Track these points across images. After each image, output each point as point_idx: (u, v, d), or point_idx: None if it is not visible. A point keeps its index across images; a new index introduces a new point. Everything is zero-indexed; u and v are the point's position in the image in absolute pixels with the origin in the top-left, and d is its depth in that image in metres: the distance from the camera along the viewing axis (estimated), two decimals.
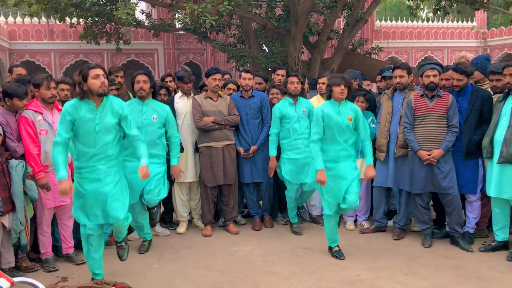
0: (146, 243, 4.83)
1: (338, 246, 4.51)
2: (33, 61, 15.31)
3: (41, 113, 4.21)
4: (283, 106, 5.19)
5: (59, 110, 4.41)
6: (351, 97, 5.39)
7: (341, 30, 11.85)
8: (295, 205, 5.32)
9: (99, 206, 3.61)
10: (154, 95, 4.88)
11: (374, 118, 5.30)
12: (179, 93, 5.50)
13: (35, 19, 15.00)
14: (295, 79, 5.13)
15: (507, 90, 4.33)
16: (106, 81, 3.55)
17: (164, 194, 4.68)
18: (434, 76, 4.53)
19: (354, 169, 4.38)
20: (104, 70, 3.59)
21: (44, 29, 15.35)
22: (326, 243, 4.67)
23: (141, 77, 4.70)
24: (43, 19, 15.09)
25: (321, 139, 4.30)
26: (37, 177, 4.08)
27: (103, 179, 3.60)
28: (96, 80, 3.49)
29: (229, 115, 5.33)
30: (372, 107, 5.38)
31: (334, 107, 4.32)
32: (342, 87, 4.22)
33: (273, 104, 5.62)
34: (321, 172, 4.24)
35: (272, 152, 5.24)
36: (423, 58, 17.94)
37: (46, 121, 4.22)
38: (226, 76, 6.16)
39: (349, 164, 4.35)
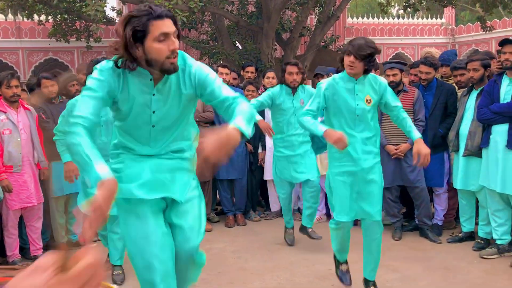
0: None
1: (347, 263, 3.55)
2: (0, 60, 14.89)
3: (5, 112, 4.10)
4: (278, 93, 4.40)
5: (26, 108, 4.31)
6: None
7: (313, 27, 11.93)
8: (290, 207, 4.71)
9: None
10: None
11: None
12: None
13: (1, 16, 14.59)
14: (294, 69, 4.34)
15: (471, 84, 4.44)
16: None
17: None
18: (394, 75, 4.62)
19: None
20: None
21: (11, 26, 14.94)
22: (298, 237, 4.70)
23: None
24: (10, 16, 14.70)
25: (313, 116, 3.13)
26: None
27: None
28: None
29: (203, 111, 5.30)
30: None
31: (348, 83, 3.12)
32: (352, 58, 2.97)
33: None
34: (330, 132, 2.94)
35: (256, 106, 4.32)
36: (394, 54, 18.22)
37: (10, 120, 4.11)
38: None
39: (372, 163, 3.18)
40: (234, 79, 5.97)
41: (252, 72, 6.07)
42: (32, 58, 15.26)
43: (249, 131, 1.85)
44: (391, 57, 18.08)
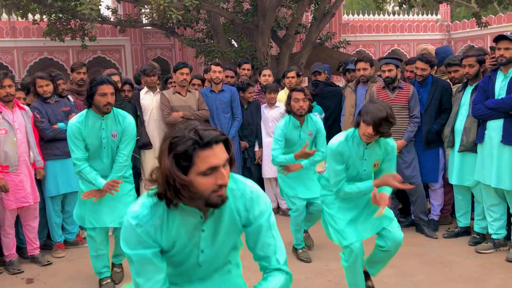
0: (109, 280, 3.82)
1: None
2: None
3: (0, 112, 4.08)
4: (287, 129, 4.10)
5: (21, 108, 4.29)
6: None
7: (309, 24, 11.94)
8: (301, 227, 4.29)
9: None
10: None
11: (318, 114, 5.09)
12: (145, 89, 5.45)
13: None
14: (300, 95, 3.98)
15: (465, 80, 4.46)
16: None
17: None
18: (389, 71, 4.63)
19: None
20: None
21: (5, 26, 14.88)
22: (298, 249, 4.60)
23: (108, 89, 3.50)
24: (4, 15, 14.63)
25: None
26: None
27: None
28: None
29: (198, 110, 5.30)
30: (338, 100, 5.46)
31: (359, 148, 3.00)
32: (371, 130, 2.83)
33: (247, 102, 5.60)
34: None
35: (288, 159, 4.06)
36: (389, 51, 18.24)
37: (6, 120, 4.10)
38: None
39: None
40: (232, 77, 5.97)
41: (248, 70, 6.08)
42: (27, 57, 15.20)
43: None
44: (386, 54, 18.11)
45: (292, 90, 4.16)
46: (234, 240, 1.79)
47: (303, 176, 4.15)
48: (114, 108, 3.63)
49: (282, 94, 5.60)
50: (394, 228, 3.10)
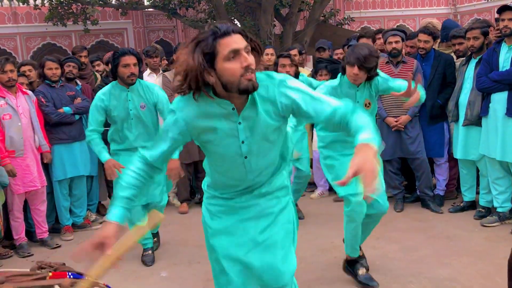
0: (149, 251, 3.94)
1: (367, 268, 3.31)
2: None
3: (4, 97, 4.11)
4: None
5: (24, 93, 4.31)
6: (313, 72, 5.37)
7: (312, 1, 11.78)
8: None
9: None
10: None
11: None
12: (148, 70, 5.43)
13: None
14: (286, 61, 4.28)
15: (469, 53, 4.40)
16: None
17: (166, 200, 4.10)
18: (396, 42, 4.57)
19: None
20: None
21: (7, 12, 14.84)
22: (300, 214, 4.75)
23: (130, 59, 3.56)
24: (5, 1, 14.57)
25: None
26: (1, 163, 4.00)
27: None
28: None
29: None
30: None
31: (350, 90, 3.07)
32: (356, 70, 2.90)
33: None
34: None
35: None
36: (395, 27, 17.99)
37: (10, 105, 4.12)
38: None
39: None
40: None
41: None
42: (30, 43, 15.19)
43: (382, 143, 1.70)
44: None
45: (279, 56, 4.36)
46: (276, 134, 1.85)
47: None
48: (140, 80, 3.71)
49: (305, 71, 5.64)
50: (382, 198, 3.10)
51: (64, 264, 1.54)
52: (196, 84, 1.66)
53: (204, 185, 2.10)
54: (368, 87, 3.07)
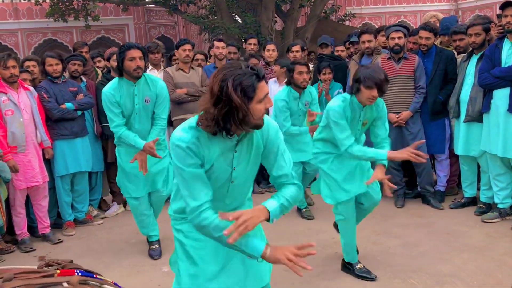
0: (156, 245, 4.00)
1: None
2: None
3: (6, 93, 4.11)
4: (289, 99, 4.40)
5: (26, 89, 4.32)
6: (316, 69, 5.38)
7: None
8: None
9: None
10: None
11: (341, 90, 5.25)
12: (149, 66, 5.43)
13: None
14: (304, 69, 4.32)
15: (471, 49, 4.40)
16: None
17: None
18: (399, 38, 4.56)
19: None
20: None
21: (8, 8, 14.81)
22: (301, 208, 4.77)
23: (136, 53, 3.59)
24: None
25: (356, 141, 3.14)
26: (3, 159, 4.01)
27: None
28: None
29: (202, 87, 5.29)
30: (343, 74, 5.41)
31: (357, 111, 3.13)
32: (375, 92, 2.96)
33: None
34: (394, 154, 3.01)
35: (301, 130, 4.42)
36: (397, 23, 17.93)
37: (12, 101, 4.13)
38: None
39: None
40: (234, 53, 5.93)
41: (254, 44, 6.05)
42: (31, 39, 15.17)
43: (274, 220, 1.87)
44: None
45: (296, 63, 4.38)
46: (259, 162, 2.04)
47: (298, 140, 4.47)
48: (145, 74, 3.72)
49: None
50: (375, 190, 3.29)
51: (72, 261, 1.53)
52: (225, 119, 1.76)
53: (172, 211, 2.10)
54: (371, 108, 3.15)
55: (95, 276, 1.43)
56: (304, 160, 4.51)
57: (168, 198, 3.23)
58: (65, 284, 1.26)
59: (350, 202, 3.24)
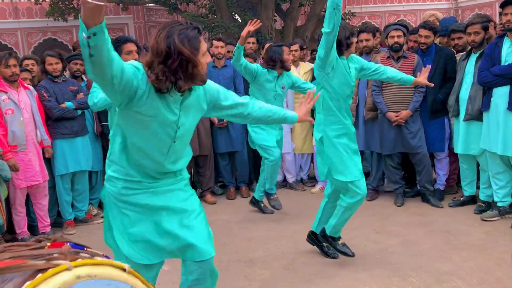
0: None
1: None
2: None
3: (6, 92, 4.12)
4: (264, 72, 4.50)
5: (26, 88, 4.33)
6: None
7: None
8: (276, 174, 4.71)
9: None
10: None
11: None
12: None
13: None
14: (287, 50, 4.59)
15: (469, 48, 4.40)
16: None
17: None
18: (398, 36, 4.57)
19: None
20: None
21: (8, 7, 14.81)
22: (301, 207, 4.78)
23: (132, 46, 3.59)
24: None
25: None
26: (4, 158, 4.01)
27: None
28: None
29: None
30: None
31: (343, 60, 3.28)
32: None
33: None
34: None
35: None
36: (396, 22, 17.92)
37: (12, 100, 4.13)
38: None
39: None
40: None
41: (253, 43, 6.03)
42: (31, 38, 15.17)
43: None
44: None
45: (282, 45, 4.65)
46: (198, 120, 2.13)
47: (272, 127, 4.53)
48: None
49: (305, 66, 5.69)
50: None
51: (62, 236, 1.54)
52: (177, 72, 1.81)
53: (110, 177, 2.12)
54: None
55: (85, 249, 1.44)
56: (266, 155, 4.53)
57: None
58: (55, 255, 1.27)
59: (363, 181, 3.33)
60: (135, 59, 3.56)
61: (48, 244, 1.38)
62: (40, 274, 1.17)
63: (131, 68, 1.83)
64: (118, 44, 3.57)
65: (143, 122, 1.93)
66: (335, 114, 3.27)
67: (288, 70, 4.60)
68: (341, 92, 3.23)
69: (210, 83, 2.11)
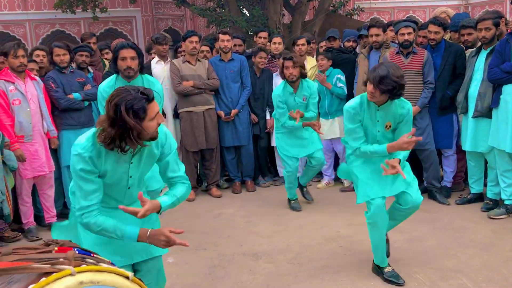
0: None
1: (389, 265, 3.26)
2: (7, 33, 14.85)
3: (13, 83, 4.13)
4: (283, 94, 4.51)
5: (32, 79, 4.34)
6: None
7: None
8: (294, 185, 4.73)
9: None
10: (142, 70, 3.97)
11: (341, 76, 5.29)
12: (156, 58, 5.43)
13: None
14: (290, 63, 4.37)
15: (479, 44, 4.35)
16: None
17: None
18: (409, 34, 4.54)
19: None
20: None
21: None
22: (306, 202, 4.77)
23: (127, 53, 3.61)
24: None
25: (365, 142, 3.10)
26: (11, 148, 4.03)
27: None
28: None
29: (208, 79, 5.28)
30: (351, 67, 5.38)
31: (371, 109, 3.05)
32: (372, 88, 2.88)
33: (259, 69, 5.57)
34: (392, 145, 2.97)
35: (295, 125, 4.43)
36: (405, 18, 17.79)
37: (19, 90, 4.15)
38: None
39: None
40: (240, 45, 5.90)
41: (264, 38, 5.97)
42: (39, 30, 15.22)
43: (164, 210, 2.27)
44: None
45: (283, 59, 4.50)
46: (150, 168, 2.37)
47: (298, 136, 4.57)
48: (143, 75, 3.73)
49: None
50: (413, 192, 3.11)
51: (70, 241, 1.56)
52: (123, 137, 2.05)
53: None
54: (393, 109, 3.01)
55: (92, 254, 1.45)
56: (305, 155, 4.63)
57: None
58: (61, 260, 1.28)
59: (376, 203, 3.06)
60: (128, 66, 3.61)
61: (56, 248, 1.40)
62: (43, 278, 1.19)
63: (86, 175, 2.12)
64: (116, 49, 3.64)
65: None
66: None
67: (291, 81, 4.46)
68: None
69: (169, 143, 2.32)
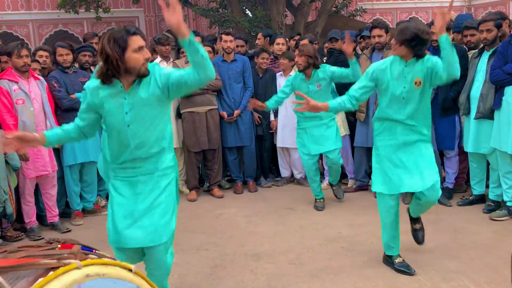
0: None
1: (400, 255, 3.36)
2: (11, 33, 14.90)
3: (17, 82, 4.15)
4: (295, 81, 4.66)
5: (36, 78, 4.35)
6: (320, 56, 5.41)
7: None
8: (314, 180, 4.78)
9: None
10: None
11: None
12: (158, 58, 5.45)
13: None
14: (296, 52, 4.57)
15: (482, 45, 4.35)
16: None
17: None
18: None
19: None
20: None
21: None
22: (308, 202, 4.77)
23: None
24: None
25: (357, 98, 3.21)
26: None
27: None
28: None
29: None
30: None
31: (399, 66, 3.10)
32: (393, 41, 3.05)
33: (262, 69, 5.57)
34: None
35: (268, 103, 4.68)
36: (407, 19, 17.77)
37: (22, 90, 4.16)
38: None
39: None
40: (242, 46, 5.91)
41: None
42: (42, 30, 15.26)
43: (193, 41, 2.23)
44: None
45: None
46: (157, 107, 2.40)
47: (316, 132, 4.63)
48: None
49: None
50: (430, 192, 3.19)
51: (71, 239, 1.60)
52: (109, 68, 2.26)
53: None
54: (419, 65, 3.03)
55: (94, 251, 1.49)
56: (316, 153, 4.68)
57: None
58: (66, 255, 1.33)
59: (382, 199, 3.26)
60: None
61: (59, 245, 1.45)
62: (51, 272, 1.25)
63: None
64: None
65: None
66: None
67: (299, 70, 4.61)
68: None
69: (163, 70, 2.41)
